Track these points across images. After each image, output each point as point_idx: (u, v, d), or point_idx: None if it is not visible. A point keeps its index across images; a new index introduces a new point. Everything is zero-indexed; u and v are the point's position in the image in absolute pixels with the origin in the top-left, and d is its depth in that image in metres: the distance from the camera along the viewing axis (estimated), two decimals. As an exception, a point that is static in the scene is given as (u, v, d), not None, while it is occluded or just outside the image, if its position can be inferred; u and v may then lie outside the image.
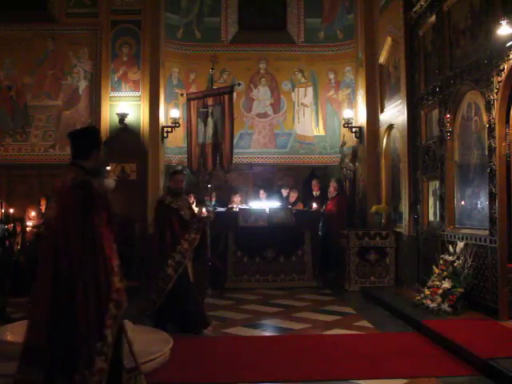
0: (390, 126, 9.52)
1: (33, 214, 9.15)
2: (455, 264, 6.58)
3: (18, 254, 8.66)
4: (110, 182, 3.88)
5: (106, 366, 3.26)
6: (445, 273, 6.62)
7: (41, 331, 3.32)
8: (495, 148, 6.01)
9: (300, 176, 11.54)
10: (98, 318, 3.27)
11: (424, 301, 6.65)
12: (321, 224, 10.09)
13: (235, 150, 10.27)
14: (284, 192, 10.83)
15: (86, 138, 3.67)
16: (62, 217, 3.39)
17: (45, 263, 3.41)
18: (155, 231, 6.38)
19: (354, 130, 10.69)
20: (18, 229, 8.81)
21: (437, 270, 6.81)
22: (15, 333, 4.89)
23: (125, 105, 10.46)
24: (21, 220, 9.11)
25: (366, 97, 10.26)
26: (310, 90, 11.71)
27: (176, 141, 11.21)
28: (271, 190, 10.93)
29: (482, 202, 6.47)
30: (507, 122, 6.00)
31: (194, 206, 10.28)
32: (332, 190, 10.31)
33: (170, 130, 10.74)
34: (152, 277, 6.20)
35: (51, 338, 3.29)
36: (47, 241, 3.48)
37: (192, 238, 6.13)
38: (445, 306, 6.30)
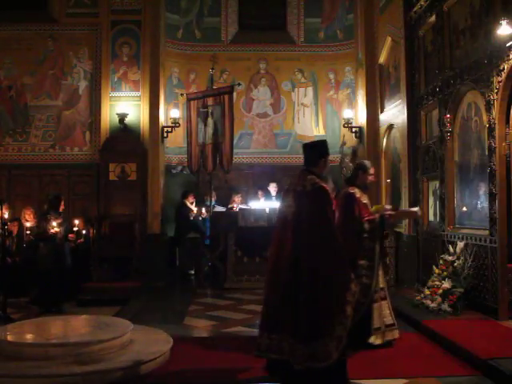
0: (390, 126, 9.52)
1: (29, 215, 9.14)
2: (455, 264, 6.58)
3: (14, 254, 8.67)
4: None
5: (344, 334, 3.95)
6: (445, 273, 6.62)
7: (279, 305, 4.11)
8: (495, 148, 6.01)
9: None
10: (340, 295, 4.01)
11: (424, 301, 6.65)
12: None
13: (235, 150, 10.27)
14: (272, 188, 10.77)
15: (316, 149, 4.41)
16: (302, 213, 4.16)
17: (281, 252, 4.20)
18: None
19: (353, 130, 10.69)
20: (15, 230, 8.80)
21: (437, 270, 6.80)
22: (15, 333, 4.89)
23: (125, 105, 10.46)
24: (18, 220, 9.11)
25: (366, 97, 10.26)
26: (310, 90, 11.71)
27: (176, 141, 11.20)
28: (267, 190, 10.90)
29: (482, 202, 6.47)
30: (507, 121, 6.01)
31: (193, 206, 10.33)
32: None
33: (169, 129, 10.73)
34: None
35: (295, 312, 4.03)
36: (288, 230, 4.20)
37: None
38: (445, 306, 6.31)
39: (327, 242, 4.11)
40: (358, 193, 5.39)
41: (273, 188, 10.75)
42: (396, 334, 5.36)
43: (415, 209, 5.54)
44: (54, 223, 7.75)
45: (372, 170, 5.58)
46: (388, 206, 5.73)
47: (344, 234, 4.71)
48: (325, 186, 4.21)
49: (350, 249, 4.83)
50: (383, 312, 5.28)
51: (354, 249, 5.08)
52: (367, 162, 5.67)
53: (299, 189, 4.25)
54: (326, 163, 4.34)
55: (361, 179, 5.50)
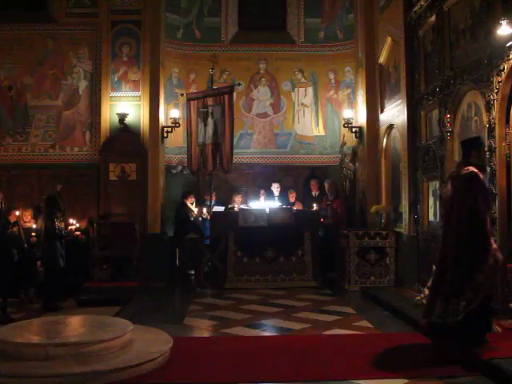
0: (390, 126, 9.52)
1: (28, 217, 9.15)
2: (455, 264, 6.57)
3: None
4: None
5: (474, 297, 4.75)
6: (445, 273, 6.61)
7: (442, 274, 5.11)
8: (495, 148, 6.01)
9: (300, 176, 11.55)
10: (474, 264, 4.80)
11: (424, 301, 6.63)
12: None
13: (235, 150, 10.28)
14: (275, 188, 10.77)
15: (468, 143, 5.31)
16: (456, 195, 5.04)
17: (447, 227, 5.17)
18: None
19: (353, 130, 10.69)
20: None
21: (437, 270, 6.79)
22: (15, 333, 4.89)
23: (125, 105, 10.46)
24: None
25: (366, 97, 10.26)
26: (310, 90, 11.71)
27: (176, 141, 11.20)
28: (270, 190, 10.90)
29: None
30: (507, 122, 6.00)
31: (193, 206, 10.33)
32: (329, 193, 10.36)
33: (170, 130, 10.73)
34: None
35: (446, 277, 4.98)
36: (445, 211, 5.32)
37: None
38: (445, 306, 6.30)
39: (472, 219, 4.86)
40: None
41: (275, 188, 10.76)
42: None
43: None
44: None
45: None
46: None
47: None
48: (477, 171, 4.94)
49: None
50: None
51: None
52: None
53: (455, 175, 5.15)
54: (479, 154, 5.15)
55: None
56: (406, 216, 8.64)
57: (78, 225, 9.18)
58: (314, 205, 10.00)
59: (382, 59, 9.88)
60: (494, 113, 6.03)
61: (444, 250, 5.16)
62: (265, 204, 10.10)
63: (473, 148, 5.17)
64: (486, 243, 4.88)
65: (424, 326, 5.28)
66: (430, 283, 6.79)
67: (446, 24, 7.38)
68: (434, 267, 6.88)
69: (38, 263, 8.27)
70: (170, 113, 10.85)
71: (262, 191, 10.72)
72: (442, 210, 5.99)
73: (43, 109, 10.76)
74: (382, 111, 9.97)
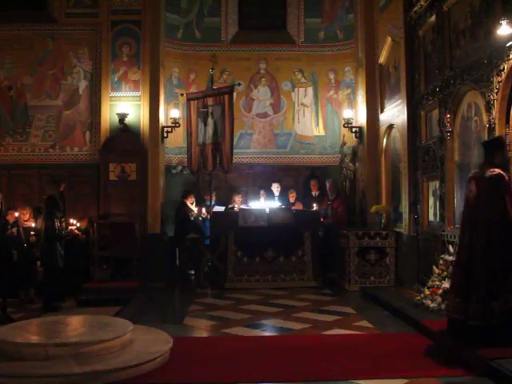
0: (390, 126, 9.52)
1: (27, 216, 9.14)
2: (455, 264, 6.57)
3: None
4: None
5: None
6: (445, 273, 6.62)
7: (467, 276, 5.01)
8: (495, 148, 6.00)
9: (300, 176, 11.54)
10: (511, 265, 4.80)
11: (424, 301, 6.65)
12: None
13: (235, 150, 10.27)
14: (275, 188, 10.75)
15: (491, 144, 5.28)
16: (481, 196, 5.04)
17: (466, 225, 5.20)
18: None
19: (353, 130, 10.69)
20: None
21: (437, 270, 6.80)
22: (15, 333, 4.89)
23: (125, 105, 10.46)
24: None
25: (366, 97, 10.26)
26: (310, 90, 11.71)
27: (176, 141, 11.20)
28: (270, 190, 10.88)
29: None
30: (507, 122, 6.00)
31: (193, 206, 10.33)
32: (330, 192, 10.37)
33: (169, 130, 10.73)
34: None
35: (475, 280, 4.89)
36: (468, 211, 5.22)
37: None
38: (445, 306, 6.29)
39: (503, 221, 4.84)
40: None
41: (275, 188, 10.76)
42: None
43: None
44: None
45: None
46: None
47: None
48: (503, 173, 4.96)
49: None
50: None
51: None
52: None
53: (479, 176, 5.14)
54: (502, 154, 5.20)
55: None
56: (406, 216, 8.64)
57: (78, 224, 9.19)
58: (314, 205, 10.00)
59: (382, 59, 9.89)
60: (494, 113, 6.04)
61: (469, 252, 5.06)
62: (265, 204, 10.09)
63: (497, 148, 5.17)
64: None
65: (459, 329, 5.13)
66: (430, 283, 6.82)
67: (445, 24, 7.38)
68: (434, 268, 6.93)
69: (38, 263, 8.28)
70: (170, 113, 10.85)
71: (262, 191, 10.71)
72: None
73: (43, 109, 10.76)
74: (382, 111, 9.98)
